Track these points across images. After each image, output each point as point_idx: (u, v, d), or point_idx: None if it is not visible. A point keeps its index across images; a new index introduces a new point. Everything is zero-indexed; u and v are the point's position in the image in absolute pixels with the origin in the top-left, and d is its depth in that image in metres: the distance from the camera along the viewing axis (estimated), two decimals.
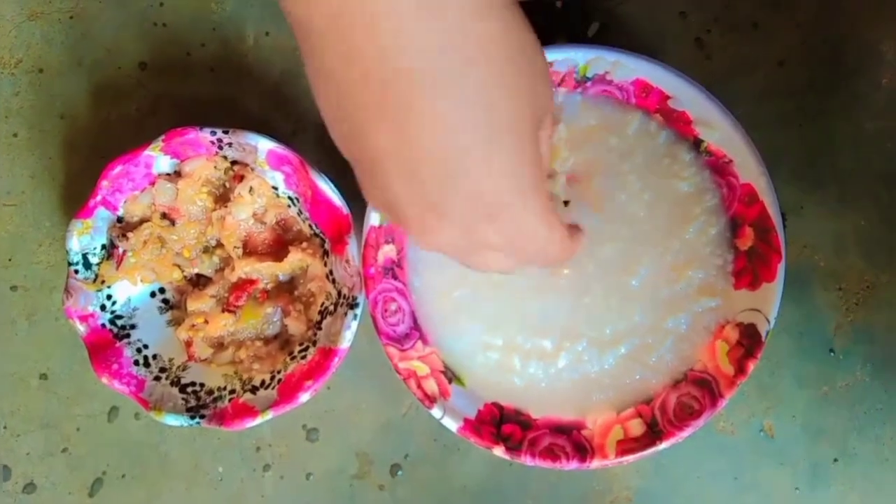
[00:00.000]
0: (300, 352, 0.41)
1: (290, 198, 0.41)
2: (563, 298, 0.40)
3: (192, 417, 0.40)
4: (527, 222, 0.27)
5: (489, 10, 0.24)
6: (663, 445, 0.39)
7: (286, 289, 0.42)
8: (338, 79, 0.25)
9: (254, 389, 0.41)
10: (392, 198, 0.26)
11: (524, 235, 0.27)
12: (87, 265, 0.41)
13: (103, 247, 0.41)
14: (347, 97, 0.25)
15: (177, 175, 0.41)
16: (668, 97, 0.39)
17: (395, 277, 0.40)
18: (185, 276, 0.43)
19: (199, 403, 0.40)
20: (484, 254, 0.28)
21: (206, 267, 0.42)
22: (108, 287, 0.41)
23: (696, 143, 0.40)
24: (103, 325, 0.41)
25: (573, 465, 0.39)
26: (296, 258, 0.41)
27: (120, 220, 0.41)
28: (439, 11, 0.23)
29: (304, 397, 0.39)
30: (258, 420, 0.39)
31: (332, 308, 0.41)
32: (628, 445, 0.39)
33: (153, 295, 0.42)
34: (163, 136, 0.39)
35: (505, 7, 0.25)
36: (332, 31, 0.24)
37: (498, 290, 0.40)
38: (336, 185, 0.40)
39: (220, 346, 0.42)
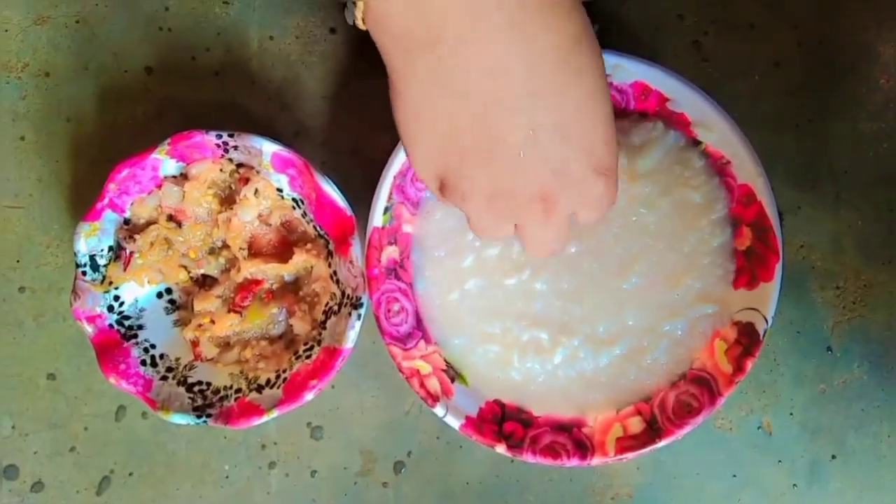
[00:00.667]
0: (305, 351, 0.42)
1: (294, 200, 0.42)
2: (557, 294, 0.41)
3: (199, 416, 0.40)
4: (614, 180, 0.33)
5: (569, 11, 0.30)
6: (662, 443, 0.39)
7: (291, 289, 0.43)
8: (459, 84, 0.30)
9: (259, 388, 0.41)
10: (511, 170, 0.31)
11: (613, 191, 0.33)
12: (95, 267, 0.41)
13: (110, 248, 0.42)
14: (471, 93, 0.30)
15: (183, 178, 0.42)
16: (666, 99, 0.39)
17: (398, 278, 0.41)
18: (191, 277, 0.43)
19: (205, 402, 0.41)
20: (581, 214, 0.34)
21: (212, 268, 0.43)
22: (116, 288, 0.42)
23: (695, 145, 0.40)
24: (111, 326, 0.41)
25: (574, 462, 0.40)
26: (300, 259, 0.42)
27: (127, 222, 0.42)
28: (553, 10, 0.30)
29: (309, 396, 0.40)
30: (264, 418, 0.40)
31: (336, 308, 0.41)
32: (628, 443, 0.40)
33: (160, 296, 0.43)
34: (169, 140, 0.40)
35: (574, 6, 0.31)
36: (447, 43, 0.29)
37: (496, 284, 0.41)
38: (340, 188, 0.40)
39: (226, 345, 0.43)
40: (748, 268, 0.40)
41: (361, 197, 0.41)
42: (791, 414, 0.44)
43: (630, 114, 0.40)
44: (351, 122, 0.44)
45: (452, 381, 0.41)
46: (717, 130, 0.39)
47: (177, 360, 0.42)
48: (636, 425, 0.40)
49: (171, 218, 0.42)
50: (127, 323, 0.42)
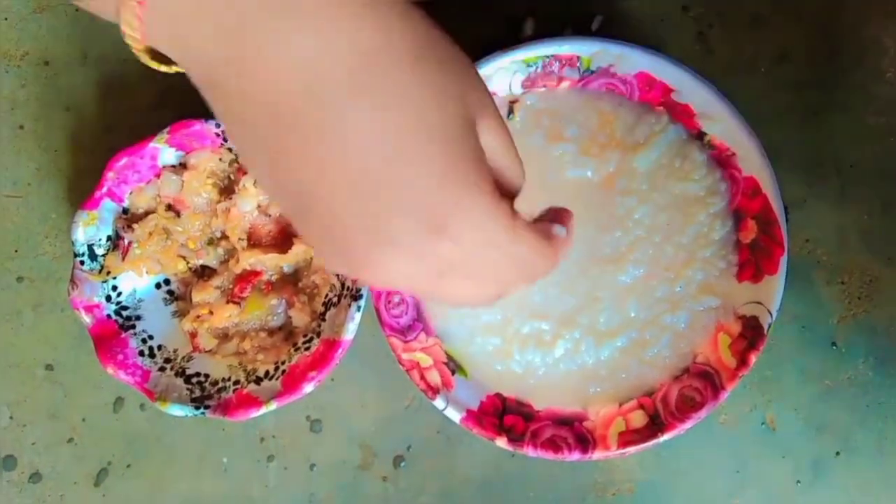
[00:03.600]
0: (304, 343, 0.41)
1: None
2: (556, 285, 0.40)
3: (197, 408, 0.40)
4: (479, 225, 0.24)
5: (376, 12, 0.22)
6: (665, 437, 0.39)
7: (290, 280, 0.43)
8: (249, 120, 0.23)
9: (258, 380, 0.41)
10: (328, 235, 0.24)
11: (481, 243, 0.24)
12: (93, 256, 0.41)
13: (109, 238, 0.41)
14: (263, 138, 0.23)
15: (182, 167, 0.41)
16: (671, 90, 0.39)
17: None
18: (190, 268, 0.43)
19: (203, 394, 0.41)
20: (451, 283, 0.25)
21: (210, 258, 0.42)
22: (114, 278, 0.41)
23: (700, 136, 0.40)
24: (109, 316, 0.41)
25: (575, 456, 0.39)
26: (300, 250, 0.41)
27: (125, 211, 0.42)
28: (328, 22, 0.22)
29: (308, 388, 0.40)
30: (262, 410, 0.40)
31: (335, 299, 0.41)
32: (630, 437, 0.39)
33: (158, 286, 0.43)
34: (168, 129, 0.40)
35: (394, 6, 0.23)
36: (229, 75, 0.23)
37: None
38: None
39: (224, 337, 0.42)
40: (753, 261, 0.40)
41: None
42: (795, 409, 0.43)
43: (634, 105, 0.40)
44: None
45: (453, 373, 0.41)
46: (722, 122, 0.39)
47: (175, 351, 0.42)
48: (638, 419, 0.40)
49: (169, 207, 0.42)
50: (125, 313, 0.42)
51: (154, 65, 0.26)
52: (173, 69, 0.26)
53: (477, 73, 0.26)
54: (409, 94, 0.23)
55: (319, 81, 0.22)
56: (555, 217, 0.28)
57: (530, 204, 0.40)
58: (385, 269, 0.24)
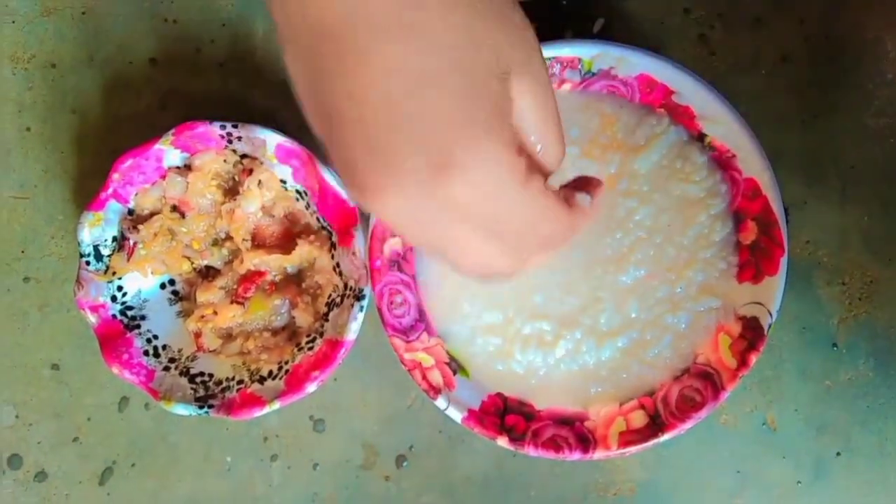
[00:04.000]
0: (307, 343, 0.42)
1: (297, 191, 0.42)
2: (557, 286, 0.41)
3: (201, 407, 0.40)
4: (487, 173, 0.24)
5: None
6: (665, 437, 0.39)
7: (294, 281, 0.43)
8: (295, 38, 0.25)
9: (261, 380, 0.41)
10: (346, 157, 0.25)
11: (490, 194, 0.24)
12: (99, 257, 0.41)
13: (114, 239, 0.42)
14: (305, 57, 0.25)
15: (187, 168, 0.42)
16: (672, 92, 0.39)
17: (400, 270, 0.41)
18: (194, 268, 0.43)
19: (207, 393, 0.41)
20: (459, 234, 0.25)
21: (215, 259, 0.43)
22: (119, 278, 0.42)
23: (700, 138, 0.40)
24: (114, 316, 0.42)
25: (576, 455, 0.39)
26: (303, 251, 0.42)
27: (131, 212, 0.42)
28: None
29: (311, 388, 0.40)
30: (266, 410, 0.40)
31: (338, 300, 0.41)
32: (630, 437, 0.39)
33: (163, 287, 0.43)
34: (173, 130, 0.40)
35: None
36: None
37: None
38: None
39: (228, 337, 0.43)
40: (753, 262, 0.40)
41: None
42: (796, 410, 0.44)
43: (635, 107, 0.40)
44: None
45: (455, 373, 0.41)
46: (723, 123, 0.39)
47: (179, 350, 0.42)
48: (639, 419, 0.40)
49: (174, 209, 0.42)
50: (130, 313, 0.42)
51: None
52: None
53: (528, 36, 0.26)
54: (443, 36, 0.24)
55: (364, 8, 0.23)
56: (581, 185, 0.28)
57: None
58: (387, 199, 0.24)
